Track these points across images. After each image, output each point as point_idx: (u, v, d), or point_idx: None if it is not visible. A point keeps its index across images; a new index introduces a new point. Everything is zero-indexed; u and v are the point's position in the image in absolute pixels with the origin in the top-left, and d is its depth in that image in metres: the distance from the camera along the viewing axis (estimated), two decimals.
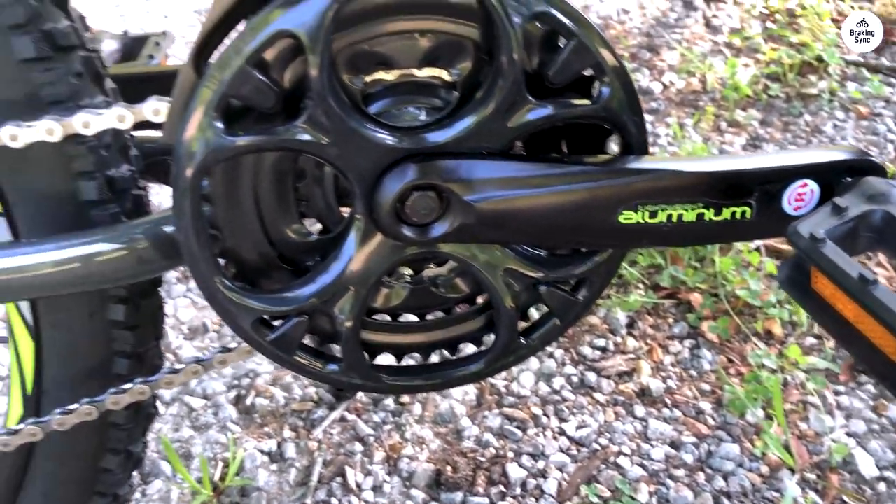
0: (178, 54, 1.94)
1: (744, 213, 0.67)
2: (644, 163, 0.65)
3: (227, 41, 0.63)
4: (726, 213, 0.67)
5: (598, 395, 1.34)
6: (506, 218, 0.67)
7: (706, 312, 1.44)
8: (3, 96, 0.65)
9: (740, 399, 1.29)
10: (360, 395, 1.37)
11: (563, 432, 1.29)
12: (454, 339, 0.79)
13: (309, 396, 1.37)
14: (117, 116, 0.63)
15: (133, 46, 1.03)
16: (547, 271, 0.72)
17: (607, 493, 1.19)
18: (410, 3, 0.63)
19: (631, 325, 1.44)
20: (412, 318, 0.79)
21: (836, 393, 1.32)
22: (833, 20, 2.06)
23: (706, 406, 1.31)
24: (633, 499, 1.18)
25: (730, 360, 1.38)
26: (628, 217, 0.66)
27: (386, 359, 0.79)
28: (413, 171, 0.65)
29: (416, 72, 0.67)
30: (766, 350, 1.37)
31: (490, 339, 0.78)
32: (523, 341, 0.76)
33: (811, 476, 1.20)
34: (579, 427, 1.29)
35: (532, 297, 0.75)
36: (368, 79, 0.67)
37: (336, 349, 0.75)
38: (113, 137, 0.71)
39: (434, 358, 0.81)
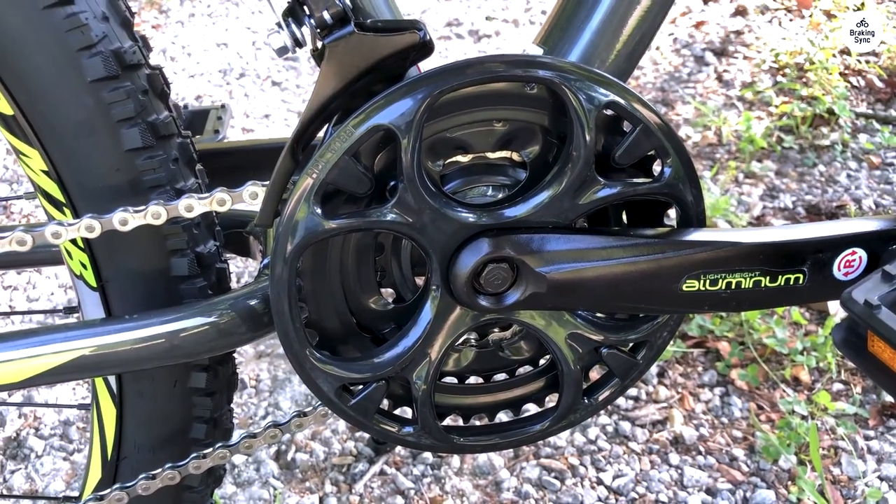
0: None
1: (797, 279, 0.71)
2: (706, 235, 0.70)
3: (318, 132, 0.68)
4: (781, 280, 0.71)
5: (633, 444, 1.37)
6: (574, 287, 0.71)
7: (734, 360, 1.48)
8: (110, 183, 0.70)
9: (774, 445, 1.32)
10: (398, 448, 1.39)
11: (600, 482, 1.31)
12: (518, 400, 0.83)
13: (349, 450, 1.40)
14: (218, 200, 0.68)
15: (193, 120, 1.09)
16: (609, 335, 0.77)
17: None
18: (489, 95, 0.68)
19: (662, 375, 1.48)
20: (478, 380, 0.83)
21: (867, 438, 1.35)
22: (841, 74, 2.13)
23: (739, 453, 1.34)
24: None
25: (760, 407, 1.41)
26: (691, 285, 0.71)
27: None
28: (488, 245, 0.70)
29: (489, 154, 0.72)
30: (796, 397, 1.40)
31: (550, 398, 0.82)
32: (586, 401, 0.80)
33: None
34: (616, 476, 1.32)
35: (593, 358, 0.79)
36: (446, 162, 0.72)
37: (406, 412, 0.79)
38: (202, 216, 0.76)
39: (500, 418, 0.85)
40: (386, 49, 0.65)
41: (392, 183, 0.70)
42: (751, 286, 0.71)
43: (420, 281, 0.78)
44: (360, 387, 0.75)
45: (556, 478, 1.32)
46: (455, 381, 0.83)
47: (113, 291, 0.76)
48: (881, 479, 1.29)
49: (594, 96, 0.66)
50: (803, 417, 1.37)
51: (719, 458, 1.34)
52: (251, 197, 0.68)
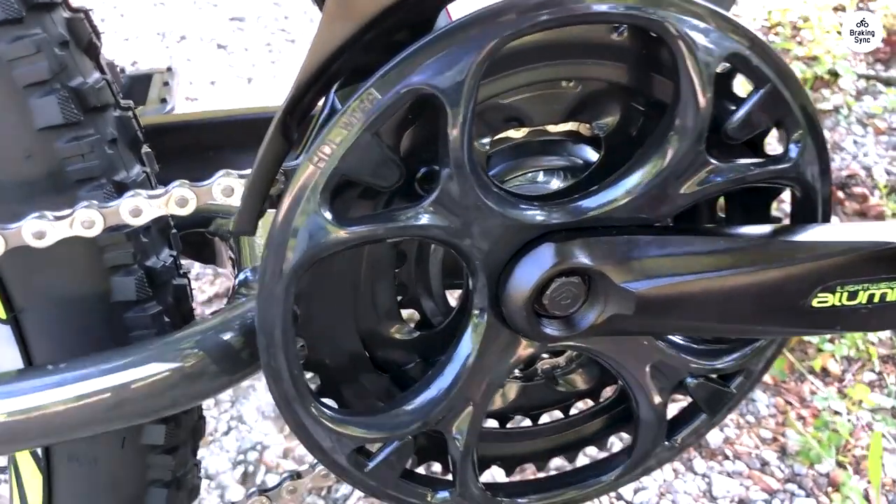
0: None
1: None
2: (848, 232, 0.53)
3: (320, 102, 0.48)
4: None
5: None
6: (672, 307, 0.53)
7: None
8: (18, 177, 0.48)
9: (815, 449, 1.18)
10: None
11: (620, 497, 1.17)
12: (575, 444, 0.66)
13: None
14: (177, 200, 0.47)
15: (132, 87, 0.87)
16: (701, 362, 0.59)
17: None
18: (559, 45, 0.48)
19: None
20: (525, 421, 0.65)
21: None
22: (839, 32, 2.00)
23: (770, 456, 1.21)
24: None
25: (788, 403, 1.28)
26: (823, 300, 0.53)
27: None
28: (555, 252, 0.51)
29: (550, 127, 0.53)
30: (830, 392, 1.27)
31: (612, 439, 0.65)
32: (667, 443, 0.62)
33: None
34: (638, 490, 1.18)
35: (675, 390, 0.61)
36: (494, 139, 0.53)
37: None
38: (154, 219, 0.55)
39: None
40: None
41: (423, 170, 0.50)
42: None
43: (453, 298, 0.58)
44: (380, 444, 0.56)
45: None
46: (495, 423, 0.64)
47: (31, 325, 0.55)
48: None
49: (713, 46, 0.47)
50: (836, 413, 1.23)
51: (749, 462, 1.21)
52: (225, 193, 0.48)
